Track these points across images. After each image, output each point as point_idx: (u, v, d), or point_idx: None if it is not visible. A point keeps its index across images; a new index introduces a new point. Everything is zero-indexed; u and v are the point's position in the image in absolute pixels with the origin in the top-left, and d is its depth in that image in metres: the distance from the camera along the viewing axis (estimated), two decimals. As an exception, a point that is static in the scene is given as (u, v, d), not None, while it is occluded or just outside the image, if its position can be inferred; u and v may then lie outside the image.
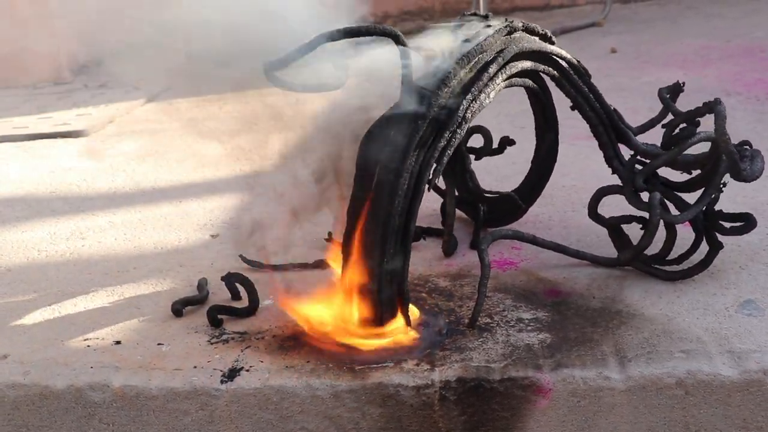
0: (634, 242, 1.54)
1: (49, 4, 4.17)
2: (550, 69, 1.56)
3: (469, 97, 1.38)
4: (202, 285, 1.62)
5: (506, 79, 1.47)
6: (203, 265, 1.77)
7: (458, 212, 1.86)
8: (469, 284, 1.56)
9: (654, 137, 1.66)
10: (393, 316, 1.36)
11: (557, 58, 1.56)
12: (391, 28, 1.34)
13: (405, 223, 1.33)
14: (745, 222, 1.51)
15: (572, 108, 1.62)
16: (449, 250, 1.71)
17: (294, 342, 1.40)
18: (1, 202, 2.37)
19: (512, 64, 1.48)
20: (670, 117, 1.67)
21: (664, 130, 1.63)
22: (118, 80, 4.23)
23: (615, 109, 1.64)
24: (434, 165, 1.36)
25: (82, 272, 1.80)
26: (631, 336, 1.32)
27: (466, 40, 1.44)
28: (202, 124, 3.17)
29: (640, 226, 1.54)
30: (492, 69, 1.42)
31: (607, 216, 1.62)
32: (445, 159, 1.37)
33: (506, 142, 1.78)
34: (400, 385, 1.26)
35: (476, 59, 1.41)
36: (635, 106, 2.78)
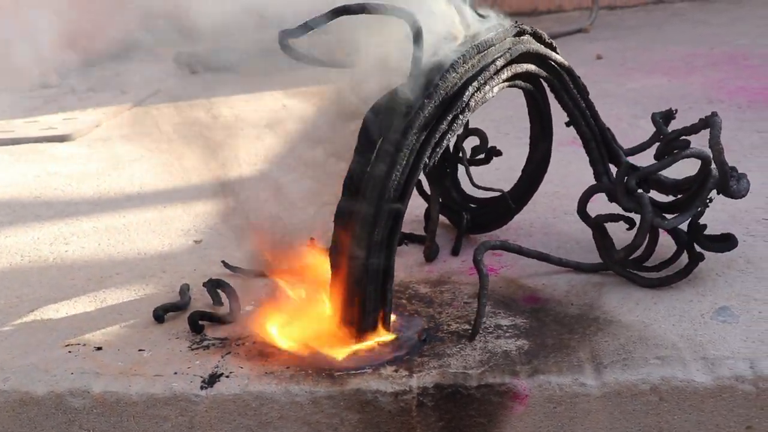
0: (617, 245, 1.56)
1: (35, 7, 4.16)
2: (552, 78, 1.59)
3: (475, 84, 1.41)
4: (184, 291, 1.63)
5: (510, 78, 1.51)
6: (186, 271, 1.78)
7: (441, 218, 1.87)
8: (448, 291, 1.57)
9: (642, 161, 1.67)
10: (375, 323, 1.37)
11: (560, 69, 1.60)
12: (408, 10, 1.36)
13: (396, 214, 1.34)
14: (726, 241, 1.54)
15: (567, 124, 1.66)
16: (431, 255, 1.73)
17: (274, 348, 1.41)
18: (-14, 206, 2.37)
19: (518, 64, 1.51)
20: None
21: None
22: (105, 84, 4.23)
23: (608, 129, 1.67)
24: (433, 146, 1.38)
25: (65, 278, 1.80)
26: (607, 342, 1.34)
27: (477, 32, 1.49)
28: (188, 129, 3.18)
29: (626, 227, 1.57)
30: (499, 63, 1.46)
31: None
32: (445, 143, 1.40)
33: (493, 152, 1.79)
34: (378, 391, 1.27)
35: (486, 51, 1.45)
36: (619, 112, 2.80)
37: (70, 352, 1.45)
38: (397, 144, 1.33)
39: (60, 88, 4.22)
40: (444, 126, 1.38)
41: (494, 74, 1.46)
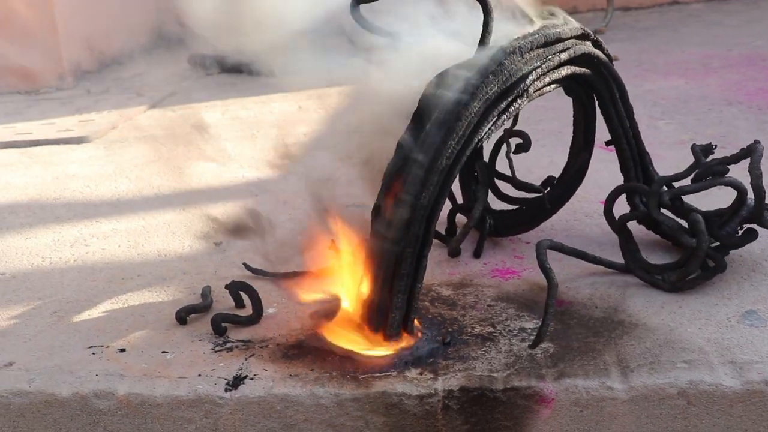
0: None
1: (52, 10, 4.19)
2: (604, 90, 1.61)
3: (538, 71, 1.43)
4: (205, 293, 1.63)
5: (568, 76, 1.52)
6: (207, 273, 1.78)
7: (460, 219, 1.87)
8: (471, 293, 1.57)
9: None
10: (399, 330, 1.37)
11: (613, 82, 1.62)
12: None
13: (447, 173, 1.33)
14: (749, 235, 1.54)
15: (608, 143, 1.68)
16: (455, 252, 1.73)
17: (298, 350, 1.41)
18: (5, 208, 2.38)
19: (577, 66, 1.53)
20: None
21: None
22: (120, 86, 4.25)
23: (647, 153, 1.68)
24: (491, 123, 1.38)
25: (86, 279, 1.81)
26: (633, 346, 1.33)
27: (545, 27, 1.52)
28: (205, 130, 3.19)
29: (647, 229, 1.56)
30: (563, 56, 1.48)
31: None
32: (501, 122, 1.41)
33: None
34: (403, 393, 1.27)
35: (551, 45, 1.47)
36: (637, 114, 2.76)
37: (93, 353, 1.46)
38: (457, 114, 1.33)
39: (75, 90, 4.24)
40: (503, 105, 1.39)
41: (555, 67, 1.47)
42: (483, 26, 1.44)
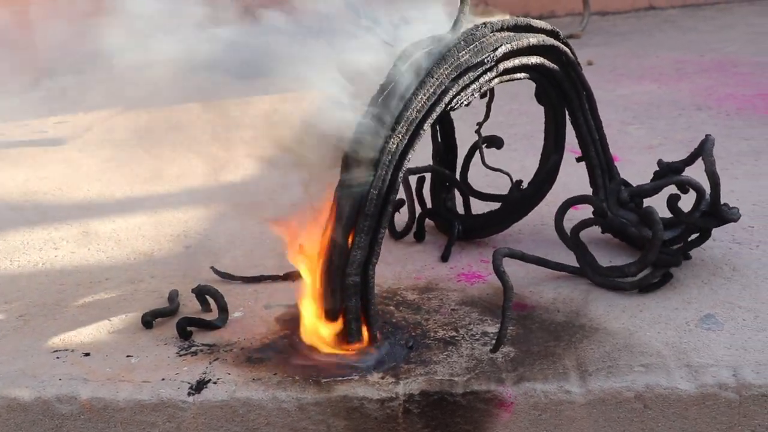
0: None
1: (28, 10, 4.16)
2: (573, 96, 1.65)
3: (508, 47, 1.46)
4: (172, 297, 1.63)
5: (537, 66, 1.55)
6: (175, 277, 1.78)
7: (429, 223, 1.89)
8: (436, 297, 1.58)
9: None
10: (359, 333, 1.38)
11: (583, 90, 1.66)
12: None
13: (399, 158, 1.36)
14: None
15: (578, 159, 1.73)
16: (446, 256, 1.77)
17: (262, 354, 1.42)
18: (-25, 210, 2.37)
19: (547, 60, 1.57)
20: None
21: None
22: (94, 87, 4.23)
23: (615, 165, 1.74)
24: (461, 88, 1.41)
25: (54, 283, 1.80)
26: (592, 350, 1.35)
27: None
28: (180, 133, 3.19)
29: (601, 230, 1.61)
30: (532, 40, 1.51)
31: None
32: (471, 93, 1.44)
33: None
34: (364, 397, 1.28)
35: (522, 30, 1.52)
36: (608, 119, 2.79)
37: (58, 357, 1.46)
38: (429, 71, 1.37)
39: (50, 91, 4.21)
40: (473, 75, 1.43)
41: (526, 51, 1.51)
42: (459, 11, 1.46)
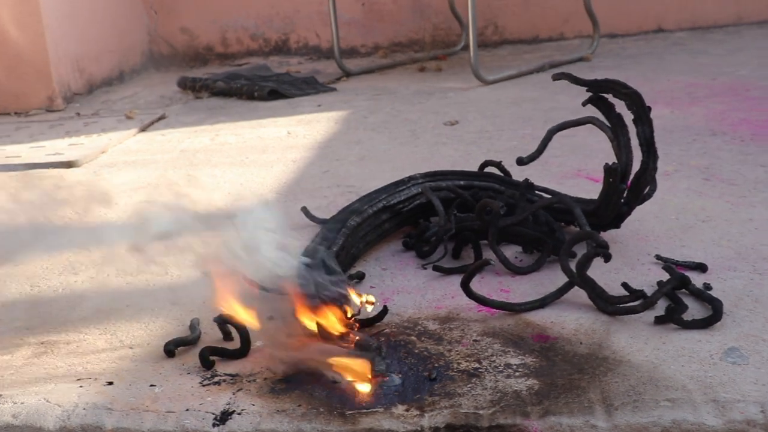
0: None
1: (42, 31, 4.20)
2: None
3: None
4: (194, 325, 1.63)
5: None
6: (195, 304, 1.78)
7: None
8: (457, 327, 1.58)
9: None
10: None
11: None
12: None
13: None
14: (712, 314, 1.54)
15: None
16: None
17: (285, 384, 1.42)
18: (-7, 234, 2.38)
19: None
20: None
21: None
22: (109, 109, 4.26)
23: None
24: None
25: (74, 308, 1.81)
26: (617, 383, 1.35)
27: None
28: (194, 156, 3.20)
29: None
30: None
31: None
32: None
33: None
34: (390, 430, 1.28)
35: None
36: (623, 144, 2.82)
37: (81, 386, 1.46)
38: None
39: (65, 112, 4.24)
40: None
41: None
42: None
